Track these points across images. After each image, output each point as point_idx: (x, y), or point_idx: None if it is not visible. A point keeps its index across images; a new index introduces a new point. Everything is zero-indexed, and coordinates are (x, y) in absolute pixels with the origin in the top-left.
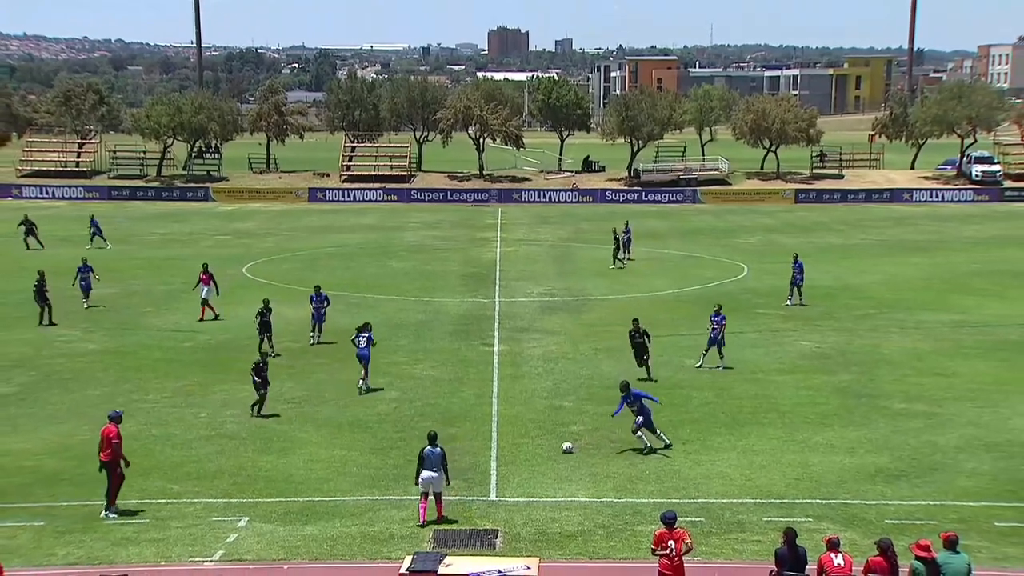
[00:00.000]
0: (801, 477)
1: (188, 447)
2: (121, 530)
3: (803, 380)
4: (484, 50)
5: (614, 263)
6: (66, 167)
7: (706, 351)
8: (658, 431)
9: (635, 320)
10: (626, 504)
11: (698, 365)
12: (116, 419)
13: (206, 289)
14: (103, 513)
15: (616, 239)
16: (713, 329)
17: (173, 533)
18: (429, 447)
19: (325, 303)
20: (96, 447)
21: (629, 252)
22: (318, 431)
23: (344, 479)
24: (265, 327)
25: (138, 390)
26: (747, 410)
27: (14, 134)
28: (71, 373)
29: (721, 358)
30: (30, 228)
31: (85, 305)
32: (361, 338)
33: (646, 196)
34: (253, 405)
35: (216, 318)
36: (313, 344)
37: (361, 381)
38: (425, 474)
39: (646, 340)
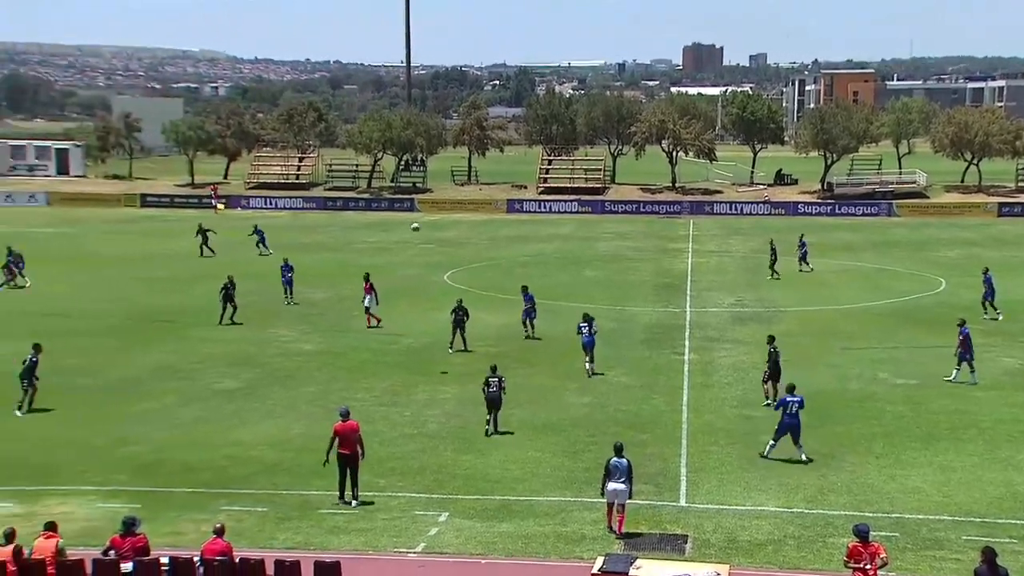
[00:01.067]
0: (1004, 496)
1: (393, 444)
2: (333, 519)
3: (1006, 397)
4: (678, 66)
5: (771, 274)
6: (288, 179)
7: (958, 366)
8: (798, 446)
9: (771, 337)
10: (817, 515)
11: (949, 378)
12: (348, 414)
13: (368, 298)
14: (353, 502)
15: (773, 250)
16: (963, 343)
17: (379, 524)
18: (615, 458)
19: (531, 304)
20: (325, 442)
21: (807, 264)
22: (514, 432)
23: (538, 480)
24: (458, 325)
25: (348, 389)
26: (944, 426)
27: (244, 150)
28: (289, 371)
29: (972, 372)
30: (205, 236)
31: (287, 303)
32: (584, 327)
33: (839, 209)
34: (489, 423)
35: (377, 325)
36: (528, 337)
37: (588, 366)
38: (611, 486)
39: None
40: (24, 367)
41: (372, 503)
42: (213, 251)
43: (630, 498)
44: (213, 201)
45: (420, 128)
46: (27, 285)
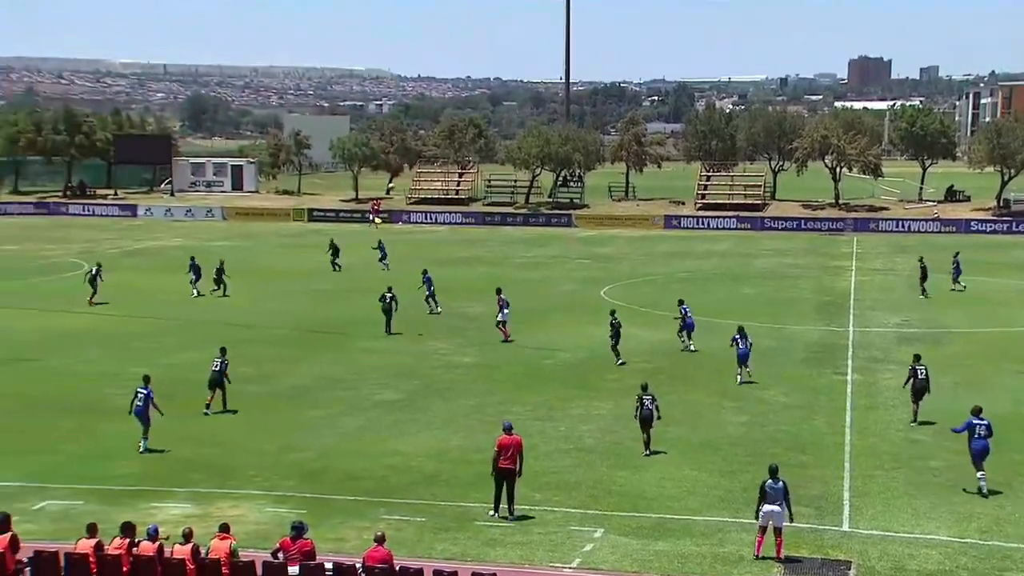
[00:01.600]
0: None
1: (548, 458)
2: (490, 531)
3: None
4: (843, 79)
5: (923, 294)
6: (447, 195)
7: None
8: (981, 472)
9: (917, 356)
10: (993, 547)
11: None
12: (511, 429)
13: (502, 312)
14: (509, 516)
15: (923, 268)
16: None
17: (535, 538)
18: (770, 480)
19: (688, 314)
20: (483, 454)
21: (959, 283)
22: (669, 450)
23: (694, 498)
24: (616, 335)
25: (505, 402)
26: None
27: (406, 165)
28: (447, 383)
29: None
30: (336, 251)
31: (432, 311)
32: (738, 339)
33: (1017, 227)
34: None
35: (507, 340)
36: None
37: (738, 376)
38: (766, 507)
39: (927, 383)
40: (214, 371)
41: (530, 517)
42: (340, 266)
43: (789, 521)
44: (371, 216)
45: (578, 144)
46: (206, 294)
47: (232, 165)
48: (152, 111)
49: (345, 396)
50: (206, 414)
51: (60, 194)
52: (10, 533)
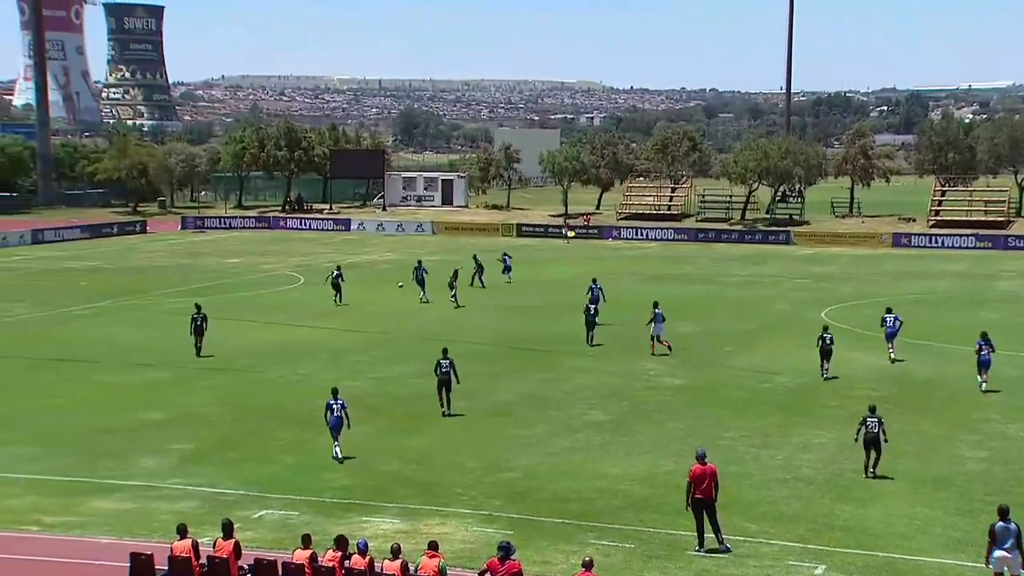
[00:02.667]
0: None
1: (764, 488)
2: (701, 562)
3: None
4: None
5: None
6: (659, 210)
7: None
8: None
9: None
10: None
11: None
12: (705, 457)
13: (656, 326)
14: (719, 547)
15: None
16: None
17: (750, 571)
18: (1001, 522)
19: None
20: (685, 482)
21: None
22: (897, 484)
23: (927, 538)
24: (826, 354)
25: (717, 427)
26: None
27: (617, 180)
28: (657, 405)
29: None
30: (480, 268)
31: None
32: (981, 344)
33: None
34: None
35: (654, 352)
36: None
37: (982, 383)
38: (997, 552)
39: None
40: (442, 373)
41: (743, 549)
42: (483, 284)
43: (1021, 569)
44: (565, 231)
45: (799, 157)
46: (431, 301)
47: (442, 179)
48: (367, 126)
49: (551, 415)
50: (446, 415)
51: (280, 208)
52: (233, 539)
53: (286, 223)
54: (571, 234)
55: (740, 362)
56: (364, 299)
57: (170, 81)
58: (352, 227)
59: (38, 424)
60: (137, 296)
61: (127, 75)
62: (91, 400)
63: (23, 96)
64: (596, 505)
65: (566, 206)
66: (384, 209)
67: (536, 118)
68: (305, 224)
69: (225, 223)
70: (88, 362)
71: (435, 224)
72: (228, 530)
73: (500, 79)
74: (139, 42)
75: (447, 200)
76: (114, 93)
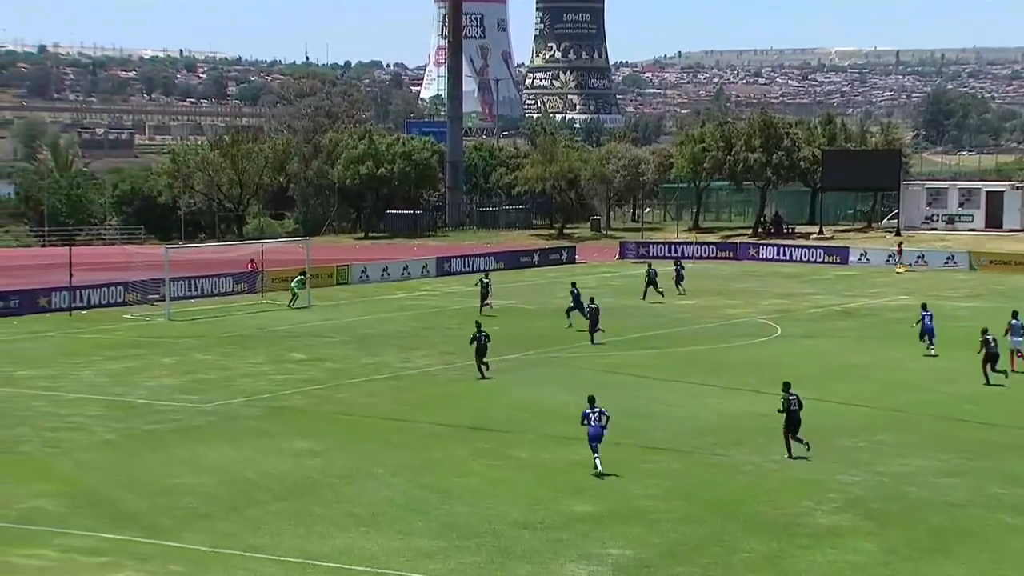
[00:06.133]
0: None
1: None
2: None
3: None
4: None
5: None
6: None
7: None
8: None
9: None
10: None
11: None
12: None
13: (1016, 340)
14: None
15: None
16: None
17: None
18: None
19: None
20: None
21: None
22: None
23: None
24: None
25: None
26: None
27: None
28: None
29: None
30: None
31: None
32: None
33: None
34: None
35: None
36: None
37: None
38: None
39: None
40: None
41: None
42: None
43: None
44: None
45: None
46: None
47: (986, 191)
48: (876, 116)
49: None
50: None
51: (750, 231)
52: None
53: (758, 252)
54: None
55: None
56: (866, 360)
57: (610, 62)
58: (851, 258)
59: (446, 510)
60: (558, 346)
61: (557, 55)
62: (508, 482)
63: (431, 87)
64: None
65: None
66: (898, 234)
67: None
68: (785, 253)
69: (675, 251)
70: (503, 432)
71: (972, 256)
72: None
73: None
74: (574, 11)
75: (993, 221)
76: (540, 79)
